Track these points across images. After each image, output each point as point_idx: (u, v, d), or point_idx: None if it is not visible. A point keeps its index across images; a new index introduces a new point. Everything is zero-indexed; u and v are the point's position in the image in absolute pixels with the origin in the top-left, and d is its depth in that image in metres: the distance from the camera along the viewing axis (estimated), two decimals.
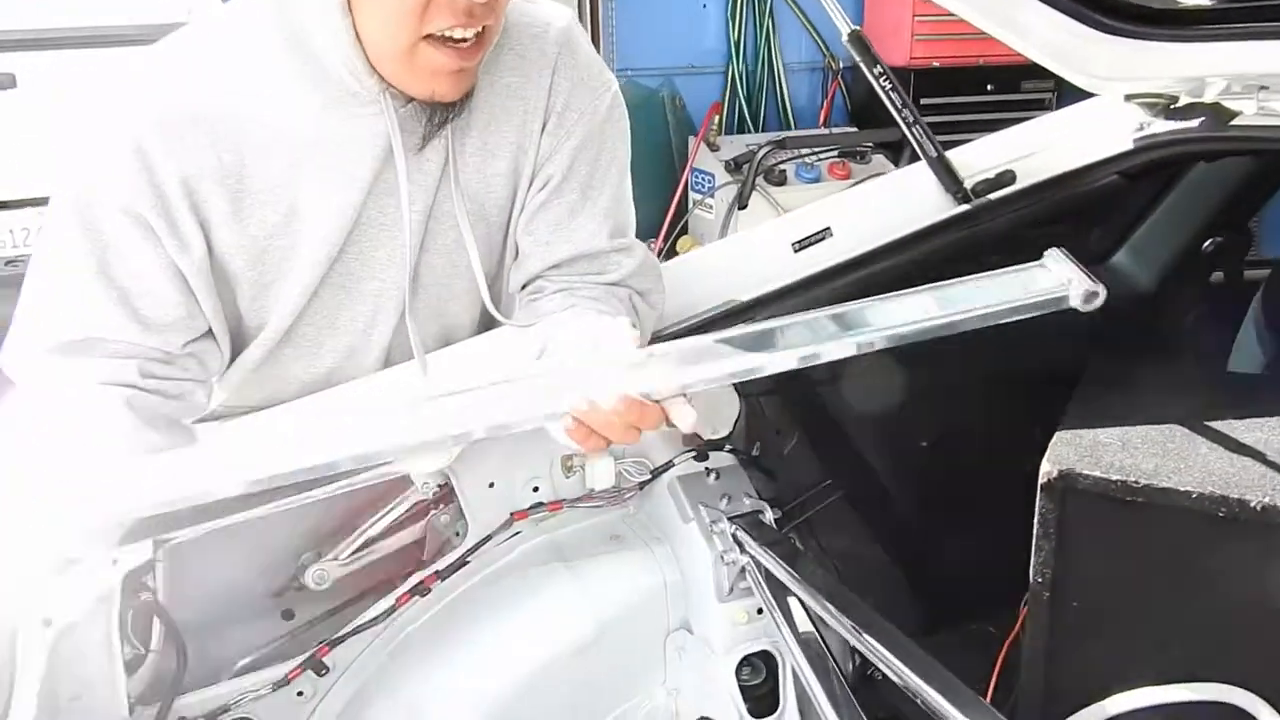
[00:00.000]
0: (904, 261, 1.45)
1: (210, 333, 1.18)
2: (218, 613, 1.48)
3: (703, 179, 3.97)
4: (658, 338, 1.34)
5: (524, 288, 1.27)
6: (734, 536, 1.46)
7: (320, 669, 1.48)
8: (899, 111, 1.39)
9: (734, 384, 1.49)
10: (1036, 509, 1.24)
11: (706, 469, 1.55)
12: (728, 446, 1.59)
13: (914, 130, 1.40)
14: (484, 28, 1.04)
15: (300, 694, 1.48)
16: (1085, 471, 1.21)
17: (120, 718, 1.27)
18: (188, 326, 1.14)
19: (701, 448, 1.57)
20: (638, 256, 1.25)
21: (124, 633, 1.29)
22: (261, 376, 1.26)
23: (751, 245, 1.47)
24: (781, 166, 3.88)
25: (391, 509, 1.55)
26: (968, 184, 1.52)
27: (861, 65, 1.40)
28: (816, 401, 1.54)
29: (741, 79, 4.18)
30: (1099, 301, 0.95)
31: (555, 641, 1.49)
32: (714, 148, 3.98)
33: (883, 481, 1.63)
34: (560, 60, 1.19)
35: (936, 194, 1.53)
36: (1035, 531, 1.25)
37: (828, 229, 1.43)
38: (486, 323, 1.30)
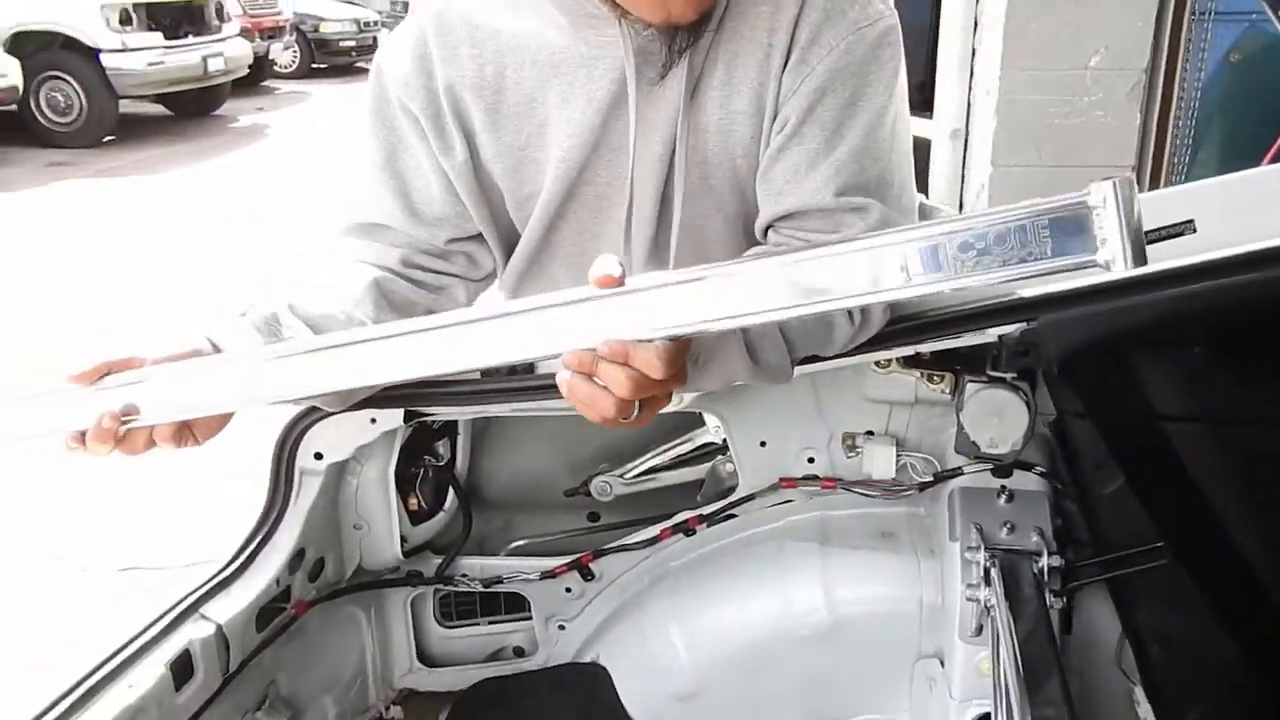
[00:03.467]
0: None
1: (480, 235, 1.28)
2: (517, 495, 1.65)
3: None
4: (896, 328, 1.16)
5: (766, 238, 1.18)
6: (986, 570, 1.22)
7: (586, 574, 1.58)
8: None
9: (1022, 393, 1.23)
10: None
11: (1003, 487, 1.31)
12: (1038, 469, 1.32)
13: None
14: None
15: (569, 590, 1.60)
16: None
17: (394, 555, 1.50)
18: (456, 225, 1.26)
19: (1004, 463, 1.32)
20: (872, 220, 1.08)
21: (413, 488, 1.52)
22: (536, 290, 1.35)
23: None
24: None
25: (680, 444, 1.57)
26: None
27: None
28: (1154, 434, 1.19)
29: None
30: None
31: (789, 621, 1.41)
32: None
33: (1252, 565, 1.21)
34: None
35: None
36: None
37: (1190, 222, 1.08)
38: None
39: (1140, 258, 0.67)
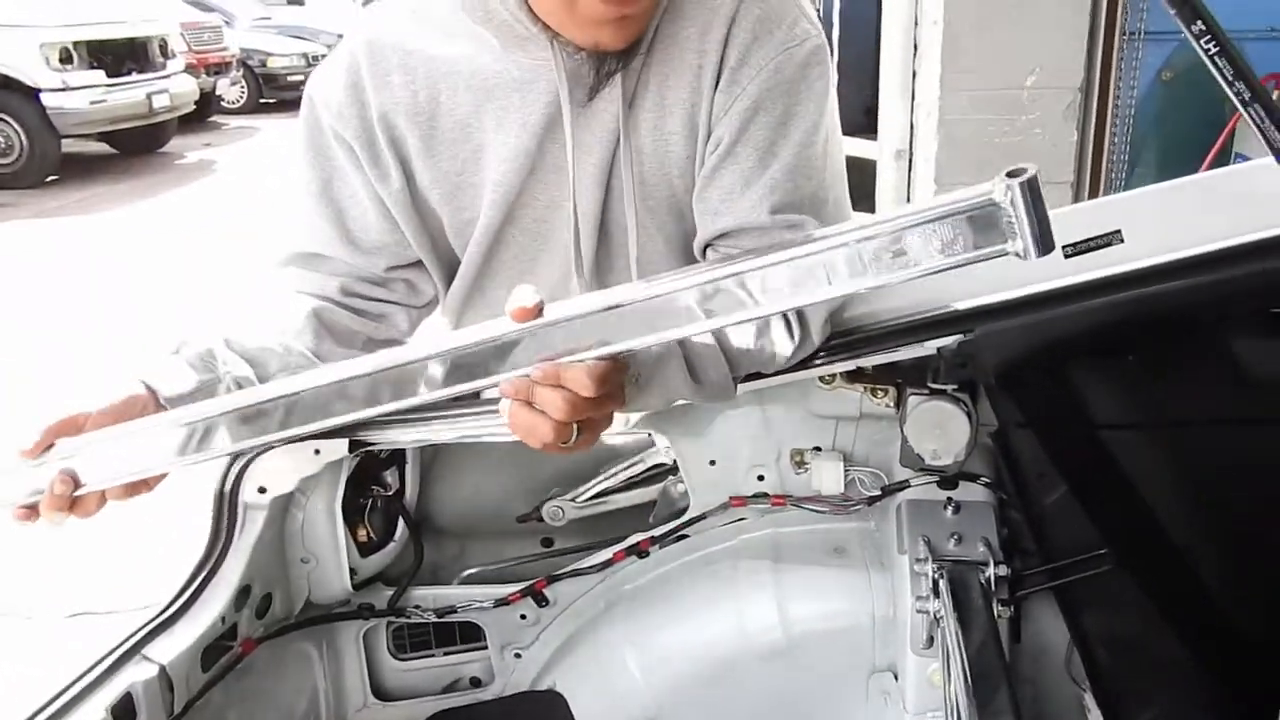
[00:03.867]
0: (1220, 280, 1.08)
1: (420, 262, 1.28)
2: (469, 522, 1.63)
3: None
4: (837, 343, 1.17)
5: (704, 256, 1.19)
6: (935, 582, 1.23)
7: (541, 600, 1.56)
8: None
9: (963, 405, 1.25)
10: None
11: (949, 499, 1.33)
12: (982, 479, 1.34)
13: (1251, 110, 1.01)
14: None
15: (524, 617, 1.58)
16: None
17: (343, 588, 1.48)
18: (395, 253, 1.26)
19: (949, 474, 1.34)
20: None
21: (361, 519, 1.50)
22: (479, 317, 1.34)
23: None
24: None
25: (631, 465, 1.57)
26: None
27: None
28: (1093, 442, 1.21)
29: None
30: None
31: (744, 640, 1.41)
32: None
33: (1196, 567, 1.24)
34: (743, 8, 1.07)
35: None
36: None
37: (1117, 232, 1.11)
38: None
39: (1048, 246, 0.69)
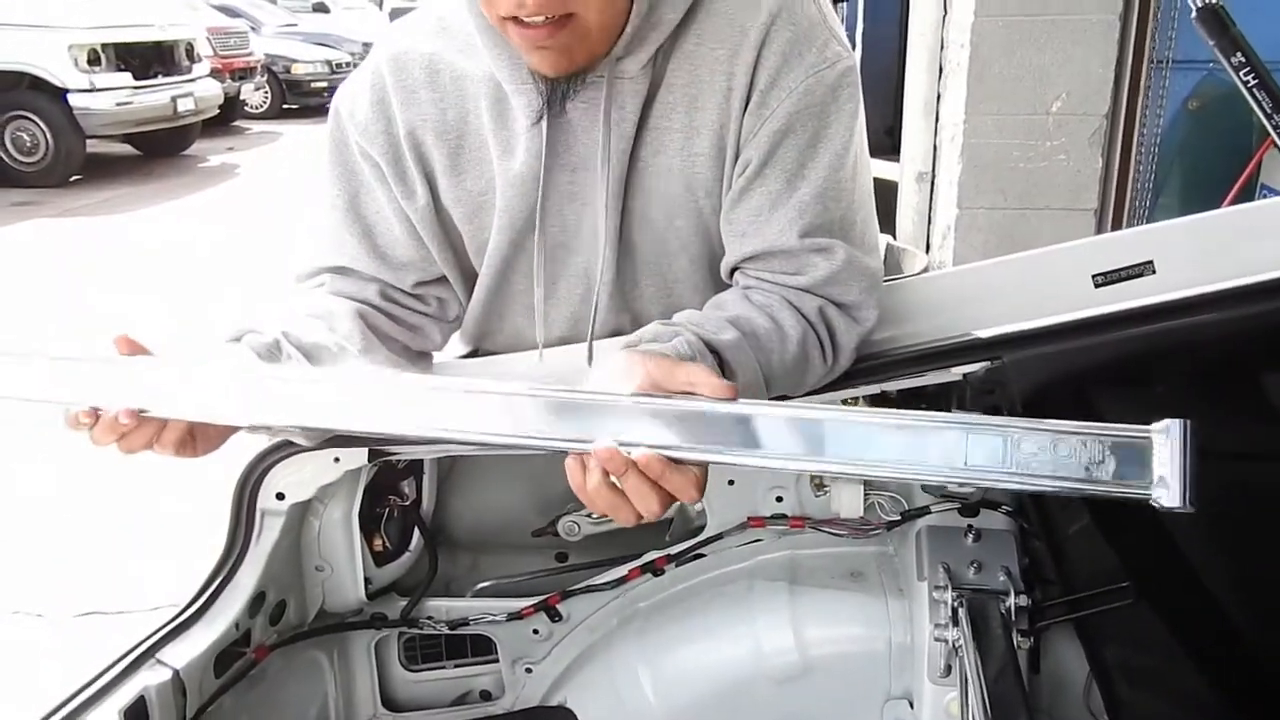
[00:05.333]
0: (1251, 315, 1.07)
1: (446, 279, 1.28)
2: (484, 535, 1.63)
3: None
4: (862, 366, 1.16)
5: (733, 279, 1.19)
6: (954, 610, 1.22)
7: (554, 615, 1.56)
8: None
9: None
10: None
11: (970, 526, 1.31)
12: (1004, 507, 1.33)
13: None
14: (568, 13, 0.97)
15: (536, 632, 1.57)
16: None
17: (357, 597, 1.47)
18: (422, 269, 1.25)
19: (971, 502, 1.33)
20: (837, 260, 1.08)
21: (377, 529, 1.50)
22: (503, 339, 1.33)
23: (1032, 270, 1.18)
24: None
25: None
26: None
27: None
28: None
29: None
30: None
31: (759, 663, 1.39)
32: None
33: (1218, 603, 1.22)
34: (773, 30, 1.06)
35: None
36: None
37: (1149, 263, 1.10)
38: None
39: (1193, 500, 0.69)
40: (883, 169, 3.80)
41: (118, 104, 8.56)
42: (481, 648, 1.62)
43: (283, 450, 1.27)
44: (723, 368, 1.01)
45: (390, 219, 1.22)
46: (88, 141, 8.82)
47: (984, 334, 1.13)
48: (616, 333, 1.24)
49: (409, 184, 1.20)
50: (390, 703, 1.61)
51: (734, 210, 1.13)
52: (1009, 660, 1.15)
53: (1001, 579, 1.26)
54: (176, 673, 1.18)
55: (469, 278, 1.29)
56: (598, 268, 1.17)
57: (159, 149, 9.94)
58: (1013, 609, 1.22)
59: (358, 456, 1.31)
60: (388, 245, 1.23)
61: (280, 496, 1.32)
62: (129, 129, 9.15)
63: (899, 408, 1.32)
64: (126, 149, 9.99)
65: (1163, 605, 1.23)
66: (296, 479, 1.32)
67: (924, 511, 1.35)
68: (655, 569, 1.50)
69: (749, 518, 1.45)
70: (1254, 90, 1.02)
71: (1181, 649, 1.24)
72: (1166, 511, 0.69)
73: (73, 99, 8.35)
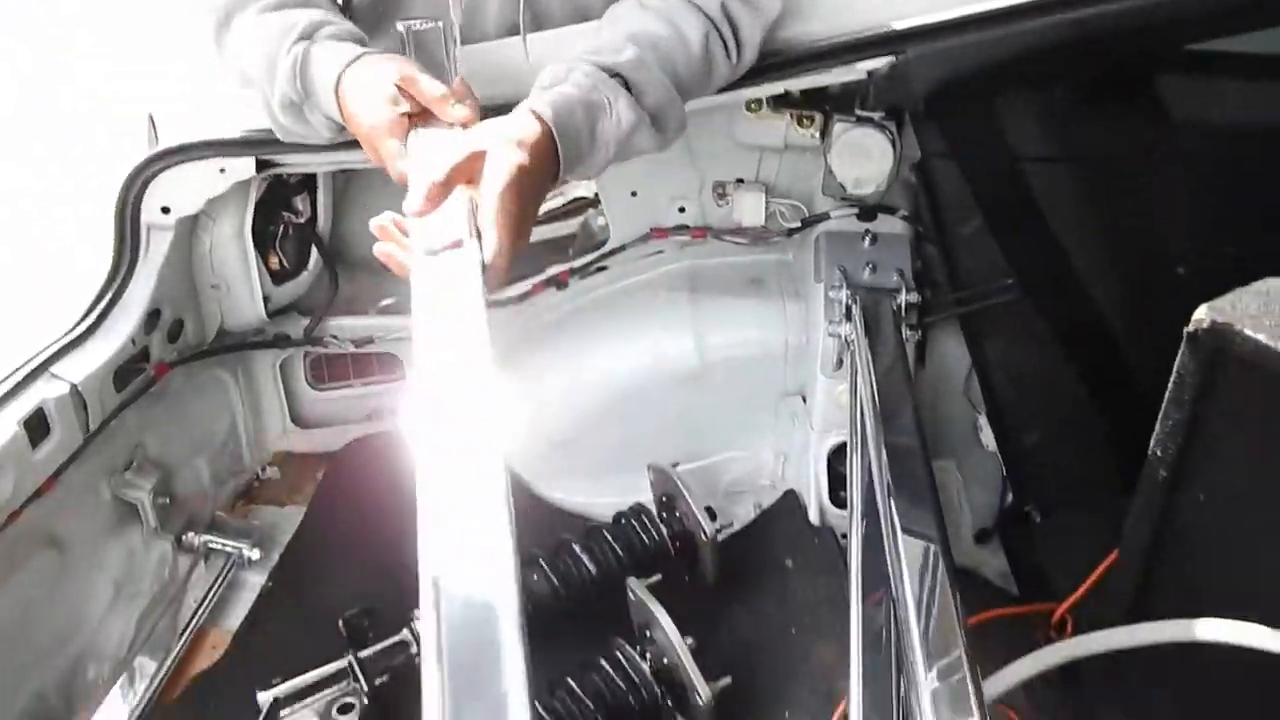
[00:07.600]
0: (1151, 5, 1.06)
1: None
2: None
3: None
4: (766, 64, 1.12)
5: None
6: (848, 307, 1.27)
7: None
8: None
9: (888, 132, 1.24)
10: (1175, 364, 0.92)
11: (866, 230, 1.34)
12: (901, 212, 1.35)
13: None
14: None
15: None
16: (1249, 333, 0.86)
17: (257, 315, 1.45)
18: None
19: (869, 206, 1.35)
20: None
21: (273, 246, 1.46)
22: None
23: None
24: None
25: (551, 198, 1.54)
26: None
27: None
28: (1013, 174, 1.22)
29: None
30: None
31: (660, 366, 1.44)
32: None
33: (1094, 302, 1.29)
34: None
35: None
36: (1168, 393, 0.93)
37: None
38: None
39: None
40: None
41: None
42: (388, 366, 1.63)
43: (164, 160, 1.21)
44: (630, 89, 0.98)
45: None
46: None
47: (892, 27, 1.10)
48: (513, 31, 1.18)
49: None
50: (300, 420, 1.63)
51: None
52: (898, 353, 1.20)
53: (895, 279, 1.30)
54: (74, 386, 1.16)
55: None
56: None
57: None
58: (904, 305, 1.27)
59: (245, 167, 1.25)
60: None
61: (166, 210, 1.26)
62: None
63: (801, 109, 1.31)
64: None
65: (1043, 304, 1.29)
66: (180, 191, 1.25)
67: (824, 217, 1.37)
68: (559, 282, 1.51)
69: (651, 229, 1.45)
70: None
71: (1057, 346, 1.31)
72: None
73: None
